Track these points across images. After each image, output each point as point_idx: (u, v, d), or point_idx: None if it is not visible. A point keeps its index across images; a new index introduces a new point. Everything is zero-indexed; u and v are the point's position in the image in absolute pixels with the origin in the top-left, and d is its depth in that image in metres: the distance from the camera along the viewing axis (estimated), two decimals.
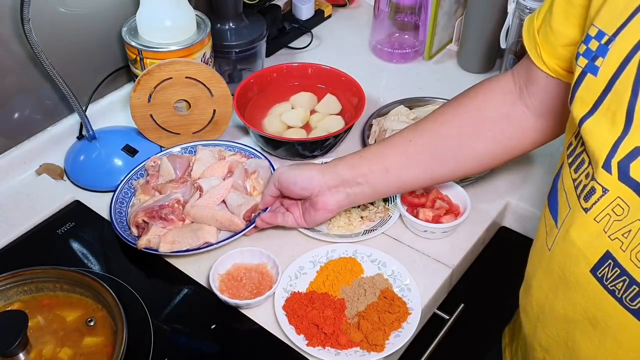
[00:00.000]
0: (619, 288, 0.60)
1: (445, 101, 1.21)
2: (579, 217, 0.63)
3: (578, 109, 0.63)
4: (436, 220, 0.99)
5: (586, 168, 0.63)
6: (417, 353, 0.95)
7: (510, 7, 1.21)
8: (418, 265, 0.97)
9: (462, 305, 1.01)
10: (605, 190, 0.60)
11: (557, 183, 0.71)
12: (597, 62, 0.61)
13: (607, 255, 0.61)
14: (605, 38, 0.60)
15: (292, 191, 0.94)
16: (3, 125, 1.08)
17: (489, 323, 1.18)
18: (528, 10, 1.16)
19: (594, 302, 0.64)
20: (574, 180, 0.65)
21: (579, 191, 0.64)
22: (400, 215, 1.01)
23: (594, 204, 0.61)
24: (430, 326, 0.98)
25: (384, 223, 1.01)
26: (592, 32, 0.62)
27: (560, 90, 0.79)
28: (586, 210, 0.62)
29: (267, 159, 1.07)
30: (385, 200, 1.05)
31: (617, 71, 0.59)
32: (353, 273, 0.94)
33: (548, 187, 1.09)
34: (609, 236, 0.60)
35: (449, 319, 0.99)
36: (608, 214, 0.60)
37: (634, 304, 0.60)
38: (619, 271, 0.60)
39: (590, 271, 0.63)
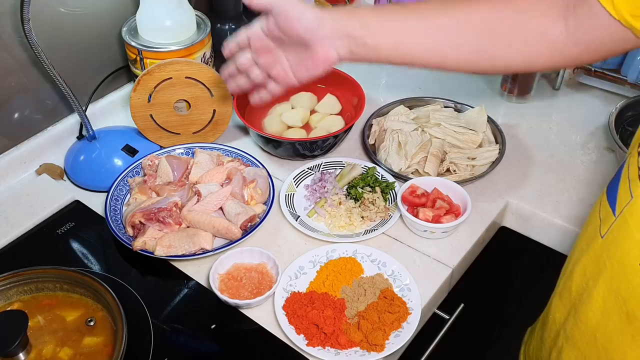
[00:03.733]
0: None
1: (445, 100, 1.21)
2: None
3: None
4: (436, 220, 0.99)
5: None
6: (417, 353, 0.95)
7: None
8: (418, 265, 0.97)
9: (462, 305, 1.01)
10: None
11: (622, 172, 0.68)
12: None
13: None
14: None
15: (292, 29, 0.79)
16: (3, 125, 1.08)
17: (489, 323, 1.18)
18: None
19: (636, 295, 0.62)
20: None
21: None
22: (401, 215, 1.01)
23: None
24: (430, 326, 0.98)
25: (384, 223, 1.01)
26: None
27: (612, 32, 0.69)
28: None
29: (265, 167, 1.07)
30: (386, 200, 1.05)
31: None
32: (353, 273, 0.94)
33: (548, 187, 1.09)
34: None
35: (449, 319, 0.99)
36: None
37: None
38: None
39: None
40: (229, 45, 0.86)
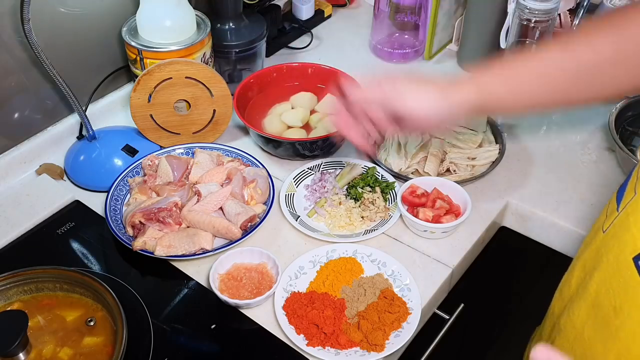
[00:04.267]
0: None
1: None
2: None
3: None
4: (436, 220, 0.99)
5: None
6: (417, 353, 0.95)
7: (510, 7, 1.21)
8: (418, 265, 0.97)
9: (462, 305, 1.01)
10: None
11: (633, 170, 0.69)
12: None
13: None
14: None
15: (413, 125, 0.80)
16: (3, 125, 1.08)
17: (489, 323, 1.18)
18: (528, 10, 1.15)
19: (626, 289, 0.63)
20: None
21: None
22: (401, 215, 1.01)
23: None
24: (430, 326, 0.98)
25: (384, 223, 1.01)
26: None
27: None
28: None
29: (265, 167, 1.07)
30: (386, 200, 1.05)
31: None
32: (353, 273, 0.94)
33: (548, 187, 1.09)
34: None
35: (449, 319, 0.99)
36: None
37: None
38: None
39: (633, 258, 0.62)
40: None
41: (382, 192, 1.05)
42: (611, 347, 0.66)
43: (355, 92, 0.83)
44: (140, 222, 0.97)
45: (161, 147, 1.13)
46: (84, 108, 1.10)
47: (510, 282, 1.22)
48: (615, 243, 0.66)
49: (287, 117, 1.18)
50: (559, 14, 1.33)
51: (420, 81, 0.80)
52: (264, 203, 1.03)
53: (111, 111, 1.21)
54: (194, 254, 0.94)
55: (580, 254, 0.75)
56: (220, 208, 1.00)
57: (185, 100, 1.11)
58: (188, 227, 0.98)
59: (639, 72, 0.73)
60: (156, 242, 0.94)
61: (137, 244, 0.94)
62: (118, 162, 1.10)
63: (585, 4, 1.20)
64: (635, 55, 0.72)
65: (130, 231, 0.98)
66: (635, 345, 0.63)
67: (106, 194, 1.03)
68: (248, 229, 0.98)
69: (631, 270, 0.62)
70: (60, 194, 1.07)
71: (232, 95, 1.13)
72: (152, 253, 0.94)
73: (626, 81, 0.75)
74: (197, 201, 1.00)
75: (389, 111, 0.80)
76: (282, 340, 0.87)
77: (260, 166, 1.08)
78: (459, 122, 0.78)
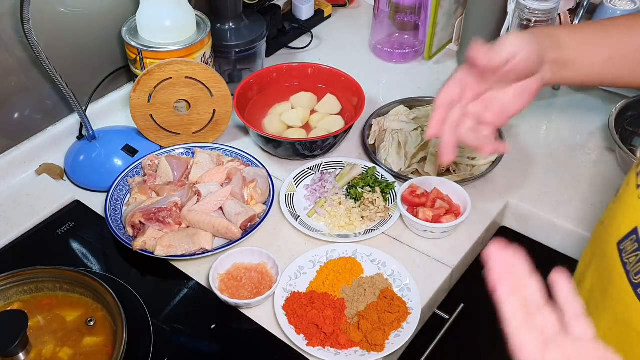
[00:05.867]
0: (631, 262, 0.63)
1: None
2: (630, 193, 0.66)
3: None
4: (436, 220, 0.99)
5: None
6: (417, 353, 0.95)
7: (510, 7, 1.21)
8: (418, 265, 0.97)
9: (462, 305, 1.01)
10: None
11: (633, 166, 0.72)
12: None
13: (634, 231, 0.63)
14: None
15: (518, 63, 0.76)
16: (3, 125, 1.08)
17: (489, 323, 1.18)
18: (528, 10, 1.15)
19: (610, 272, 0.66)
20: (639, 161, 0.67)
21: (638, 169, 0.66)
22: (401, 215, 1.01)
23: None
24: (430, 326, 0.98)
25: (384, 223, 1.01)
26: None
27: None
28: (638, 186, 0.64)
29: (265, 167, 1.07)
30: (386, 200, 1.05)
31: None
32: (353, 273, 0.94)
33: (548, 187, 1.09)
34: None
35: (449, 319, 0.99)
36: None
37: (637, 278, 0.62)
38: (637, 246, 0.62)
39: (617, 243, 0.65)
40: (440, 99, 0.81)
41: (382, 192, 1.05)
42: (598, 328, 0.68)
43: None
44: (140, 222, 0.97)
45: (161, 147, 1.13)
46: (84, 108, 1.10)
47: None
48: (605, 232, 0.69)
49: (287, 117, 1.18)
50: (559, 14, 1.33)
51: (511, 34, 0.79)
52: (264, 203, 1.03)
53: (111, 111, 1.21)
54: (194, 254, 0.94)
55: (585, 250, 0.77)
56: (220, 208, 1.00)
57: (185, 100, 1.11)
58: (188, 227, 0.98)
59: None
60: (156, 242, 0.94)
61: (137, 244, 0.94)
62: (118, 162, 1.10)
63: (585, 4, 1.20)
64: None
65: (130, 231, 0.98)
66: (614, 324, 0.66)
67: (106, 194, 1.03)
68: (248, 229, 0.98)
69: (614, 255, 0.65)
70: (60, 194, 1.07)
71: (232, 95, 1.14)
72: (152, 253, 0.94)
73: None
74: (197, 201, 1.00)
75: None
76: (282, 340, 0.87)
77: (260, 166, 1.08)
78: (544, 80, 0.78)
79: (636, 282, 0.62)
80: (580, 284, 0.75)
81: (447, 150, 0.79)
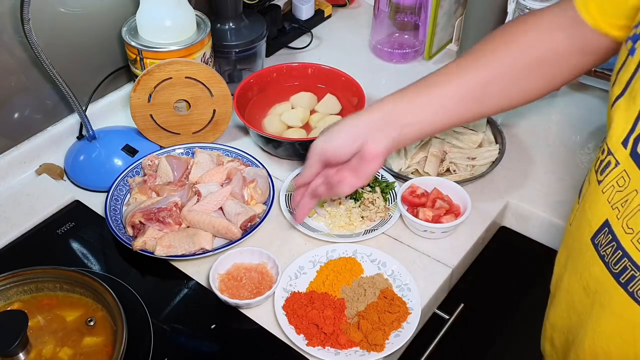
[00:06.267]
0: (608, 253, 0.65)
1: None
2: (593, 190, 0.68)
3: (615, 90, 0.66)
4: (436, 220, 0.99)
5: (607, 146, 0.67)
6: (417, 353, 0.95)
7: (510, 7, 1.21)
8: (418, 265, 0.97)
9: (462, 305, 1.01)
10: (617, 164, 0.64)
11: (590, 167, 0.74)
12: (637, 44, 0.63)
13: (606, 223, 0.65)
14: None
15: (341, 154, 0.86)
16: (3, 125, 1.08)
17: (489, 323, 1.18)
18: (528, 10, 1.15)
19: (589, 268, 0.68)
20: (597, 159, 0.69)
21: (597, 166, 0.68)
22: (401, 215, 1.01)
23: (606, 176, 0.66)
24: (430, 326, 0.98)
25: (384, 223, 1.01)
26: None
27: (596, 39, 0.78)
28: (599, 182, 0.67)
29: (265, 167, 1.07)
30: (386, 200, 1.05)
31: None
32: (353, 273, 0.94)
33: (548, 187, 1.09)
34: (611, 205, 0.65)
35: (449, 319, 0.99)
36: (613, 185, 0.64)
37: (616, 267, 0.64)
38: (610, 237, 0.64)
39: (591, 239, 0.67)
40: (297, 183, 0.95)
41: (382, 192, 1.05)
42: (587, 325, 0.70)
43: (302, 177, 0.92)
44: (140, 222, 0.97)
45: (161, 147, 1.13)
46: (84, 108, 1.10)
47: (510, 282, 1.22)
48: (577, 231, 0.71)
49: (287, 117, 1.18)
50: None
51: (328, 128, 0.89)
52: (264, 203, 1.03)
53: (111, 111, 1.21)
54: (194, 254, 0.94)
55: (558, 254, 0.80)
56: (220, 208, 1.00)
57: (185, 100, 1.11)
58: (188, 227, 0.98)
59: (529, 82, 0.85)
60: (156, 242, 0.94)
61: (137, 244, 0.94)
62: (118, 162, 1.10)
63: None
64: (523, 67, 0.84)
65: (130, 231, 0.98)
66: (604, 316, 0.67)
67: (106, 194, 1.03)
68: (248, 229, 0.98)
69: (590, 250, 0.68)
70: (60, 194, 1.07)
71: (232, 95, 1.14)
72: (152, 253, 0.94)
73: (517, 94, 0.87)
74: (197, 201, 1.00)
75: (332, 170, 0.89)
76: (282, 340, 0.87)
77: (260, 166, 1.08)
78: (379, 146, 0.86)
79: (616, 271, 0.64)
80: (559, 286, 0.77)
81: (302, 214, 0.96)
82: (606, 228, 0.65)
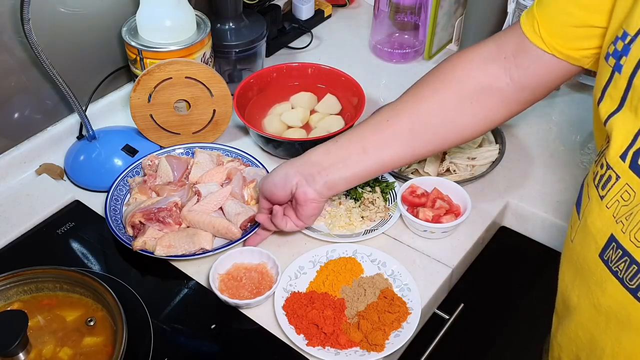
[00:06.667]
0: (621, 269, 0.63)
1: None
2: (595, 206, 0.67)
3: (607, 107, 0.66)
4: (436, 220, 0.99)
5: (605, 161, 0.66)
6: (417, 353, 0.95)
7: (510, 7, 1.21)
8: (418, 265, 0.97)
9: (462, 305, 1.01)
10: (618, 178, 0.63)
11: (584, 182, 0.73)
12: (622, 61, 0.64)
13: (612, 238, 0.64)
14: (629, 38, 0.63)
15: (277, 195, 0.92)
16: (3, 125, 1.08)
17: (489, 323, 1.18)
18: None
19: (601, 285, 0.66)
20: (595, 174, 0.68)
21: (596, 181, 0.67)
22: (401, 215, 1.01)
23: (609, 190, 0.64)
24: (430, 326, 0.98)
25: (384, 223, 1.01)
26: (619, 33, 0.65)
27: (554, 65, 0.80)
28: (602, 197, 0.65)
29: (265, 167, 1.07)
30: (386, 200, 1.05)
31: (635, 68, 0.62)
32: (353, 273, 0.94)
33: (548, 187, 1.09)
34: (615, 220, 0.63)
35: (449, 319, 0.99)
36: (617, 200, 0.63)
37: (632, 283, 0.62)
38: (621, 252, 0.63)
39: (599, 255, 0.66)
40: (259, 220, 0.98)
41: (382, 192, 1.05)
42: (604, 343, 0.68)
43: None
44: (140, 222, 0.97)
45: (161, 147, 1.13)
46: (83, 108, 1.10)
47: (510, 282, 1.22)
48: (581, 249, 0.69)
49: (287, 117, 1.18)
50: None
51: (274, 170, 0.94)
52: None
53: (111, 111, 1.21)
54: (194, 254, 0.94)
55: (561, 271, 0.77)
56: (220, 208, 1.00)
57: (185, 100, 1.11)
58: (188, 227, 0.98)
59: (466, 121, 0.87)
60: (156, 242, 0.94)
61: (137, 244, 0.94)
62: (118, 162, 1.10)
63: None
64: (457, 107, 0.86)
65: (130, 231, 0.98)
66: (623, 332, 0.66)
67: (106, 194, 1.03)
68: (248, 229, 0.98)
69: (600, 267, 0.66)
70: (60, 194, 1.07)
71: (232, 95, 1.13)
72: (152, 253, 0.94)
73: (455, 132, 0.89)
74: (197, 201, 1.00)
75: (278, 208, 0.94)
76: (282, 340, 0.87)
77: (260, 166, 1.08)
78: (309, 189, 0.90)
79: (632, 287, 0.62)
80: (567, 305, 0.74)
81: (254, 240, 0.98)
82: (613, 243, 0.64)
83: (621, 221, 0.63)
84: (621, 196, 0.63)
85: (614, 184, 0.64)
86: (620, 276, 0.63)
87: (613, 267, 0.64)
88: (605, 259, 0.65)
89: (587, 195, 0.70)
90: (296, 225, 0.95)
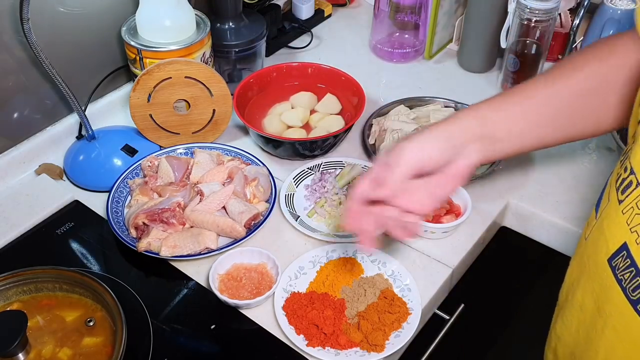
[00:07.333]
0: (626, 278, 0.62)
1: (446, 100, 1.20)
2: (612, 209, 0.66)
3: None
4: (436, 220, 0.99)
5: (630, 164, 0.64)
6: (417, 353, 0.95)
7: (511, 7, 1.21)
8: (418, 265, 0.97)
9: (462, 305, 1.01)
10: (638, 184, 0.62)
11: (608, 180, 0.71)
12: None
13: (624, 246, 0.63)
14: None
15: (431, 164, 0.74)
16: (3, 125, 1.08)
17: (489, 323, 1.18)
18: (528, 10, 1.15)
19: (604, 289, 0.66)
20: (618, 175, 0.66)
21: (618, 184, 0.65)
22: None
23: (627, 196, 0.63)
24: (430, 326, 0.97)
25: None
26: None
27: None
28: (620, 202, 0.64)
29: (265, 165, 1.07)
30: None
31: None
32: (353, 273, 0.94)
33: (549, 187, 1.09)
34: (630, 228, 0.62)
35: (449, 319, 0.99)
36: (632, 207, 0.62)
37: (634, 294, 0.62)
38: (629, 262, 0.62)
39: (608, 260, 0.65)
40: (356, 194, 0.77)
41: None
42: (598, 347, 0.68)
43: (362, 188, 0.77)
44: (143, 223, 0.97)
45: (161, 147, 1.13)
46: (83, 108, 1.10)
47: (510, 282, 1.22)
48: (593, 249, 0.69)
49: (287, 117, 1.18)
50: (560, 14, 1.33)
51: (414, 135, 0.76)
52: (267, 201, 1.03)
53: (110, 111, 1.21)
54: (199, 254, 0.94)
55: (570, 265, 0.77)
56: (223, 207, 1.00)
57: (185, 100, 1.11)
58: (192, 227, 0.98)
59: (618, 102, 0.76)
60: (161, 242, 0.94)
61: (142, 245, 0.94)
62: (117, 162, 1.10)
63: (585, 3, 1.20)
64: (616, 83, 0.75)
65: (133, 233, 0.97)
66: (618, 341, 0.65)
67: (107, 196, 1.02)
68: (252, 227, 0.98)
69: (607, 272, 0.65)
70: (59, 194, 1.07)
71: (232, 95, 1.13)
72: (157, 254, 0.94)
73: (605, 113, 0.79)
74: (200, 201, 1.00)
75: (404, 186, 0.74)
76: (282, 341, 0.87)
77: (261, 164, 1.08)
78: (472, 161, 0.75)
79: (634, 298, 0.62)
80: (570, 299, 0.74)
81: (366, 239, 0.77)
82: (624, 252, 0.63)
83: (636, 231, 0.61)
84: (636, 204, 0.61)
85: (633, 189, 0.62)
86: (624, 285, 0.63)
87: (619, 275, 0.63)
88: (613, 265, 0.64)
89: (608, 196, 0.68)
90: (425, 210, 0.77)
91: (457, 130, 0.75)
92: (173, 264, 0.97)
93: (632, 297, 0.62)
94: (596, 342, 0.69)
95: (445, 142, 0.74)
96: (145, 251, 0.94)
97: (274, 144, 1.11)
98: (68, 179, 1.11)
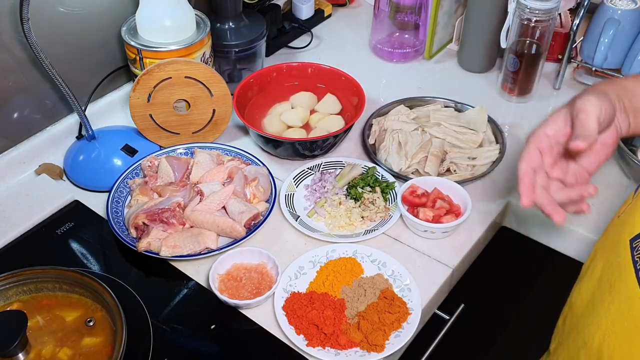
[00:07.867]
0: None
1: (446, 100, 1.21)
2: None
3: None
4: (436, 220, 0.98)
5: None
6: (417, 353, 0.95)
7: (511, 7, 1.21)
8: (418, 265, 0.96)
9: (462, 305, 1.01)
10: None
11: None
12: None
13: None
14: None
15: (602, 124, 0.73)
16: (3, 125, 1.08)
17: (489, 323, 1.18)
18: (528, 10, 1.15)
19: (619, 267, 0.67)
20: None
21: None
22: (401, 215, 1.01)
23: None
24: (430, 326, 0.97)
25: (384, 223, 1.01)
26: None
27: None
28: None
29: (265, 165, 1.07)
30: (386, 200, 1.04)
31: None
32: (353, 273, 0.94)
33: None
34: None
35: (449, 319, 0.99)
36: None
37: None
38: None
39: (630, 240, 0.66)
40: (523, 168, 0.76)
41: (382, 192, 1.05)
42: (600, 322, 0.69)
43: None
44: (143, 223, 0.97)
45: (161, 147, 1.13)
46: (83, 108, 1.10)
47: (510, 282, 1.22)
48: (621, 226, 0.70)
49: (287, 117, 1.18)
50: (560, 14, 1.33)
51: (581, 95, 0.76)
52: (267, 201, 1.03)
53: (110, 111, 1.21)
54: (199, 254, 0.94)
55: (599, 239, 0.78)
56: (223, 207, 1.00)
57: (185, 100, 1.11)
58: (192, 227, 0.98)
59: None
60: (161, 242, 0.94)
61: (142, 245, 0.94)
62: (117, 162, 1.10)
63: (585, 3, 1.20)
64: None
65: (133, 233, 0.97)
66: (620, 320, 0.66)
67: (107, 196, 1.02)
68: (252, 227, 0.98)
69: (626, 251, 0.66)
70: (59, 194, 1.07)
71: (232, 95, 1.13)
72: (157, 254, 0.94)
73: None
74: (200, 201, 1.00)
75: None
76: (282, 341, 0.87)
77: (261, 164, 1.08)
78: (622, 132, 0.76)
79: None
80: (591, 270, 0.75)
81: (555, 210, 0.75)
82: None
83: None
84: None
85: None
86: (638, 267, 0.64)
87: (635, 256, 0.65)
88: (634, 246, 0.65)
89: None
90: (581, 180, 0.78)
91: (614, 98, 0.74)
92: (173, 264, 0.97)
93: None
94: (600, 317, 0.69)
95: (611, 105, 0.73)
96: (145, 251, 0.94)
97: (274, 144, 1.11)
98: (68, 179, 1.11)
